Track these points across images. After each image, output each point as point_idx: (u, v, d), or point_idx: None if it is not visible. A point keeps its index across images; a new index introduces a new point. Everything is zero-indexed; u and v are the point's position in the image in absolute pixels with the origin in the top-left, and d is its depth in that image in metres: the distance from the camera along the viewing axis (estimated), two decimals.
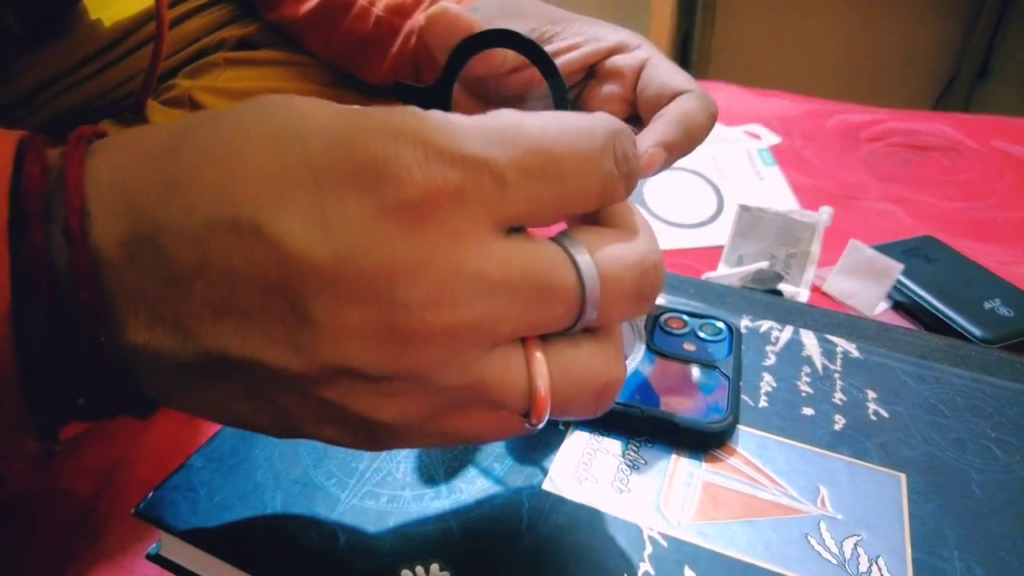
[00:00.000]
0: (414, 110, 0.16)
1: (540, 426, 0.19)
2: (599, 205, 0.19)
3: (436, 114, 0.17)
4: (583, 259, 0.18)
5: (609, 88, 0.36)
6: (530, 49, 0.28)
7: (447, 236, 0.16)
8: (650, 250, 0.19)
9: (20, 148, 0.16)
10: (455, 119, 0.17)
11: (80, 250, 0.15)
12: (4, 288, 0.15)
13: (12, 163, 0.16)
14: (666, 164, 0.32)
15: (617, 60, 0.35)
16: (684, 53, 2.02)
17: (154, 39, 0.41)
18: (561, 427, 0.29)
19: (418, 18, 0.48)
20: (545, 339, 0.19)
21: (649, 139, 0.32)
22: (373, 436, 0.19)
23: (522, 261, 0.17)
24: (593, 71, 0.36)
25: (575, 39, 0.36)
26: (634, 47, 0.36)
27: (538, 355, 0.18)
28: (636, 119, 0.36)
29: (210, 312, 0.16)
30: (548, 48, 0.35)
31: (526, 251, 0.17)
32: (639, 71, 0.35)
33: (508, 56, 0.33)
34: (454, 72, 0.28)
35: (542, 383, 0.18)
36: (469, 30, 0.30)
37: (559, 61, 0.35)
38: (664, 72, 0.35)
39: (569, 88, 0.36)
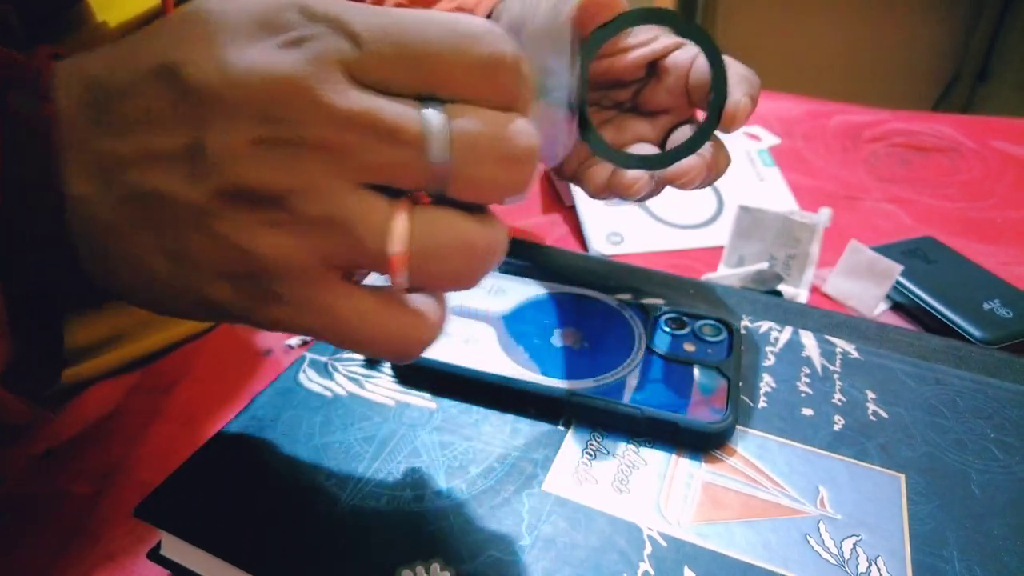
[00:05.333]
0: None
1: (403, 285, 0.20)
2: (469, 93, 0.20)
3: None
4: (431, 110, 0.19)
5: (669, 84, 0.37)
6: (686, 28, 0.31)
7: (309, 66, 0.19)
8: (521, 118, 0.20)
9: None
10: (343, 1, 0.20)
11: (49, 104, 0.20)
12: None
13: None
14: (748, 115, 0.34)
15: (676, 55, 0.37)
16: None
17: None
18: (561, 427, 0.29)
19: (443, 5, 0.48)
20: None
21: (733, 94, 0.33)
22: (260, 290, 0.20)
23: (374, 104, 0.19)
24: (655, 69, 0.37)
25: (644, 35, 0.37)
26: (691, 43, 0.37)
27: (404, 207, 0.20)
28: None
29: (133, 156, 0.20)
30: (627, 43, 0.37)
31: (380, 99, 0.19)
32: (691, 65, 0.36)
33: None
34: (591, 51, 0.30)
35: (400, 224, 0.20)
36: (620, 12, 0.31)
37: (632, 56, 0.37)
38: None
39: (628, 84, 0.38)
